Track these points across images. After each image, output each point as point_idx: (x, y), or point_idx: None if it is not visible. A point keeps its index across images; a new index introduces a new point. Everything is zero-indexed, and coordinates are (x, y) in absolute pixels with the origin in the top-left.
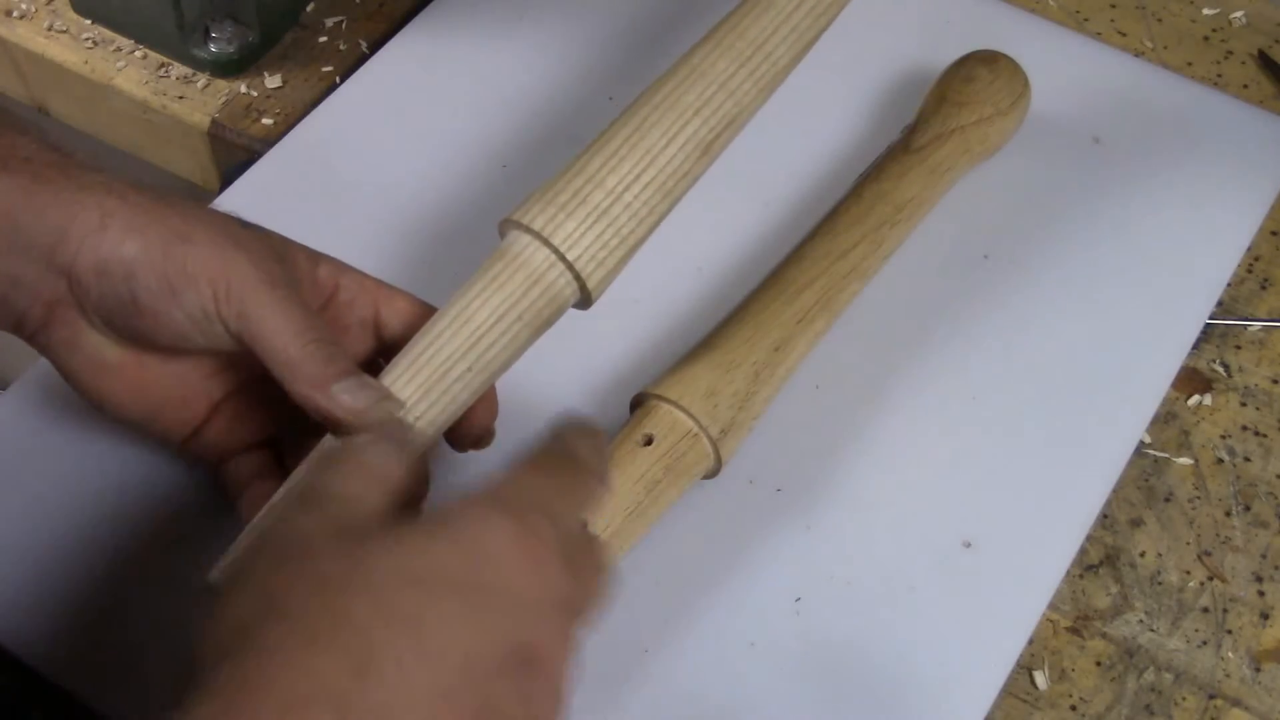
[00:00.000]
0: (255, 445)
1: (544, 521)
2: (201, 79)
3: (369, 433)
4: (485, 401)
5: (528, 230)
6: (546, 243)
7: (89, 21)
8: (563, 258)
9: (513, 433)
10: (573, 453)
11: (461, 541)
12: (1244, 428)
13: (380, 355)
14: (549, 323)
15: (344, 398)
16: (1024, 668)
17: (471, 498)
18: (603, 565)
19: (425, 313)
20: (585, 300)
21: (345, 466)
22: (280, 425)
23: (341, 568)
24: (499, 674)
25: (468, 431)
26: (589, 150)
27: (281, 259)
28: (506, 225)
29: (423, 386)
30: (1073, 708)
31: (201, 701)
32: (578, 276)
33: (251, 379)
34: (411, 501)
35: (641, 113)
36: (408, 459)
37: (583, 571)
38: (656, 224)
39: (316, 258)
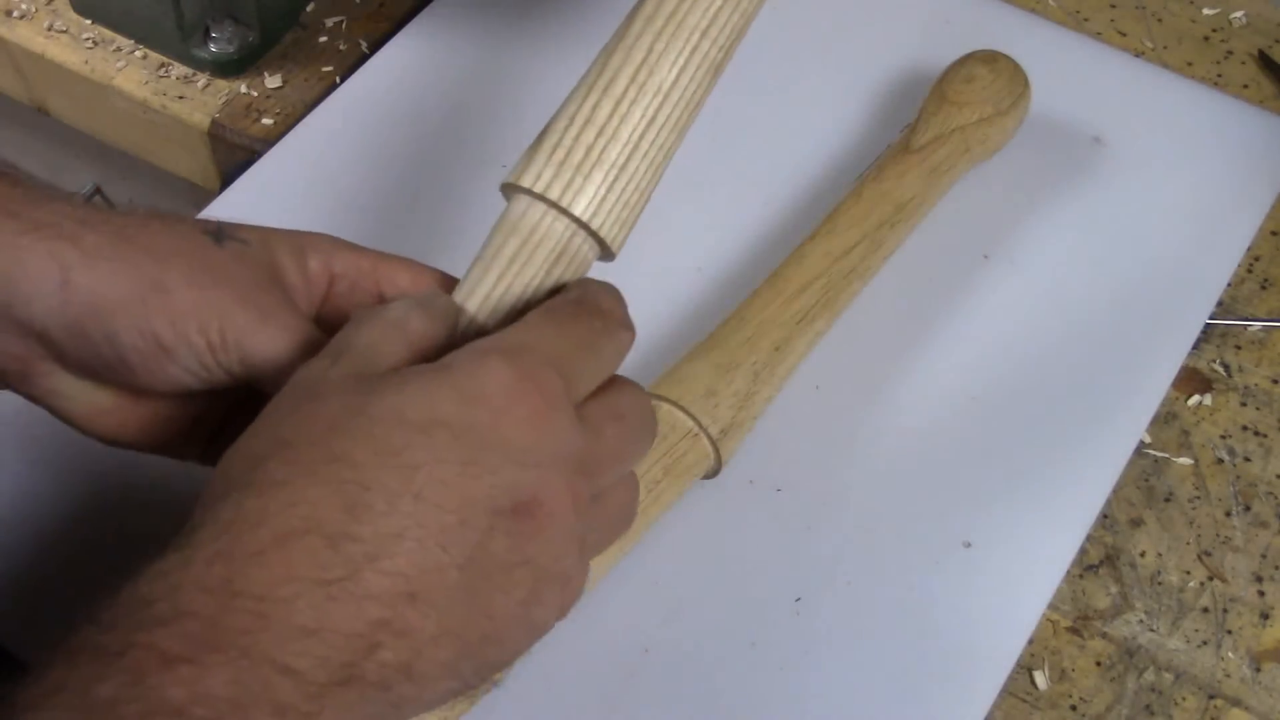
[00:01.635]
0: None
1: (549, 372)
2: (202, 79)
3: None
4: None
5: (542, 199)
6: (566, 212)
7: (89, 21)
8: (585, 225)
9: None
10: (595, 302)
11: (459, 386)
12: (1244, 428)
13: None
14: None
15: None
16: (1024, 668)
17: (480, 344)
18: (636, 426)
19: (432, 281)
20: (608, 255)
21: (367, 320)
22: None
23: (347, 410)
24: (491, 521)
25: None
26: (593, 90)
27: (268, 275)
28: (513, 190)
29: None
30: (1073, 708)
31: (202, 525)
32: (601, 241)
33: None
34: (435, 355)
35: (644, 41)
36: (431, 314)
37: (602, 429)
38: (668, 161)
39: (302, 251)
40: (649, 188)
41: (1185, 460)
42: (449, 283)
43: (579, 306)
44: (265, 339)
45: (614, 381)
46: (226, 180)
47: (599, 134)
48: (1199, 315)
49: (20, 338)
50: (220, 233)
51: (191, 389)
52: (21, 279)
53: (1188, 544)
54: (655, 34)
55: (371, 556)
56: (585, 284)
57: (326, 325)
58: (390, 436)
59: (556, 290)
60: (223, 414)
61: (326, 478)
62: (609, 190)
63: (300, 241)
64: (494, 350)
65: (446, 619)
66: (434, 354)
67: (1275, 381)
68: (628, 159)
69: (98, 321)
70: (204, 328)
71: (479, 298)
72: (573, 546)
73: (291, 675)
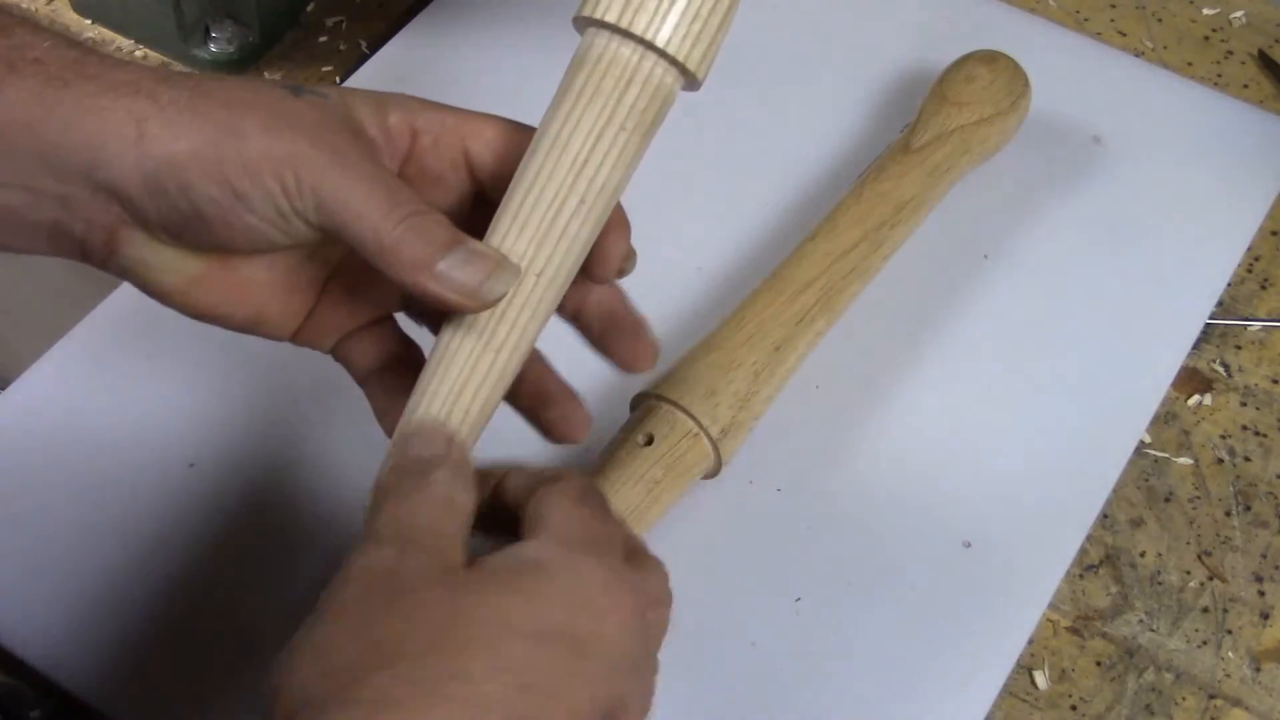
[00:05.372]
0: (372, 322)
1: (628, 568)
2: None
3: (420, 460)
4: (615, 224)
5: (603, 25)
6: (629, 34)
7: (89, 21)
8: (653, 46)
9: (515, 431)
10: (593, 488)
11: (565, 592)
12: (1244, 428)
13: (481, 195)
14: (659, 120)
15: (454, 275)
16: (1024, 668)
17: (560, 535)
18: (669, 607)
19: (518, 135)
20: (693, 81)
21: (416, 499)
22: (395, 296)
23: (454, 616)
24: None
25: (607, 262)
26: None
27: (347, 125)
28: (580, 22)
29: (536, 237)
30: (1073, 708)
31: None
32: (675, 62)
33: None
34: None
35: None
36: (468, 485)
37: (656, 607)
38: None
39: (384, 106)
40: (725, 3)
41: (1185, 460)
42: (530, 135)
43: (589, 491)
44: (342, 182)
45: (646, 561)
46: None
47: None
48: (1199, 315)
49: (104, 202)
50: (299, 88)
51: (273, 243)
52: (101, 138)
53: (1188, 544)
54: None
55: None
56: (568, 474)
57: (411, 182)
58: (503, 648)
59: (639, 125)
60: (318, 290)
61: (448, 696)
62: (672, 5)
63: (381, 98)
64: (581, 548)
65: None
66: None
67: (1275, 381)
68: None
69: (173, 173)
70: (278, 172)
71: (554, 129)
72: None
73: None
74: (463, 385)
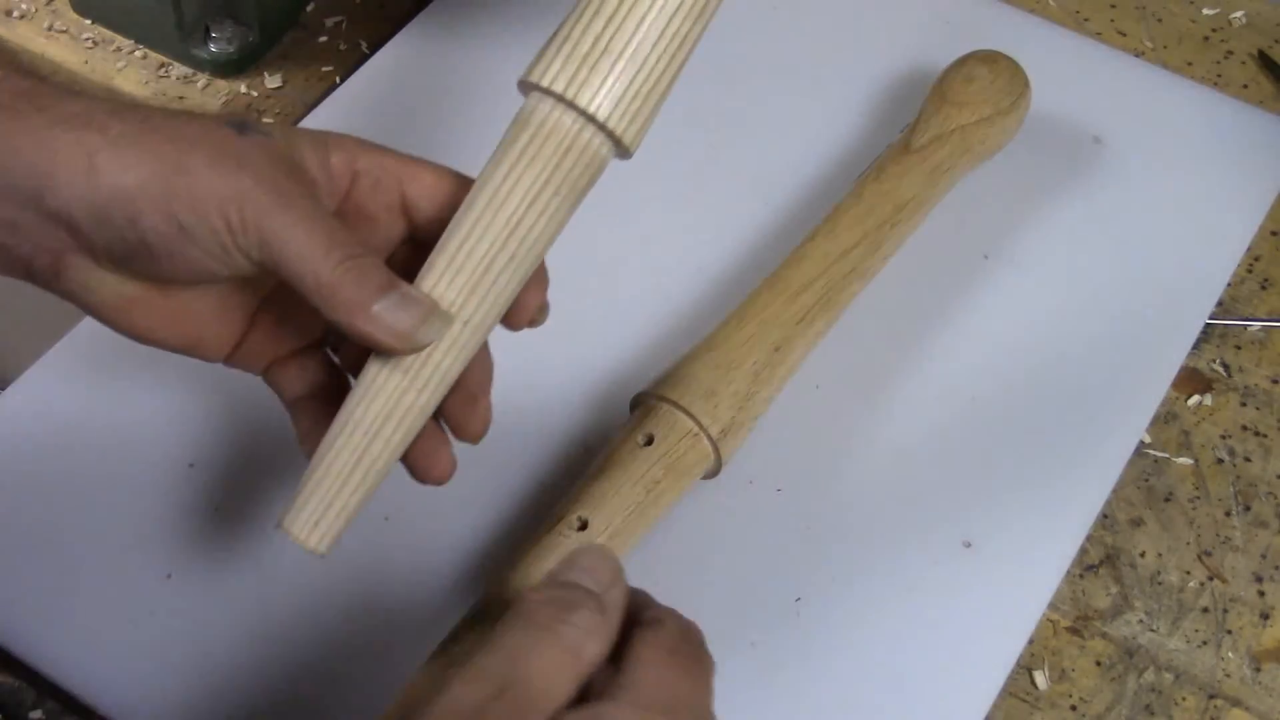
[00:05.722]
0: (303, 349)
1: None
2: (201, 79)
3: (575, 592)
4: (535, 279)
5: (549, 93)
6: (572, 105)
7: (89, 21)
8: (593, 119)
9: (515, 431)
10: (690, 636)
11: None
12: (1244, 428)
13: (414, 236)
14: (589, 188)
15: (388, 319)
16: (1024, 668)
17: (629, 700)
18: None
19: (454, 184)
20: (625, 152)
21: (545, 646)
22: (322, 327)
23: None
24: None
25: (522, 312)
26: None
27: (290, 165)
28: (526, 86)
29: (466, 286)
30: (1073, 708)
31: None
32: (612, 134)
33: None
34: None
35: None
36: (604, 636)
37: None
38: (690, 54)
39: (326, 146)
40: (665, 79)
41: (1185, 460)
42: (467, 185)
43: (684, 641)
44: (284, 222)
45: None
46: None
47: (607, 23)
48: (1199, 315)
49: (52, 229)
50: (244, 125)
51: (215, 276)
52: (51, 168)
53: (1188, 544)
54: None
55: None
56: (672, 618)
57: (347, 220)
58: None
59: (571, 192)
60: (250, 317)
61: None
62: (616, 81)
63: (323, 138)
64: (656, 713)
65: None
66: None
67: (1275, 381)
68: (637, 46)
69: (121, 205)
70: (223, 209)
71: (491, 188)
72: None
73: None
74: (385, 419)
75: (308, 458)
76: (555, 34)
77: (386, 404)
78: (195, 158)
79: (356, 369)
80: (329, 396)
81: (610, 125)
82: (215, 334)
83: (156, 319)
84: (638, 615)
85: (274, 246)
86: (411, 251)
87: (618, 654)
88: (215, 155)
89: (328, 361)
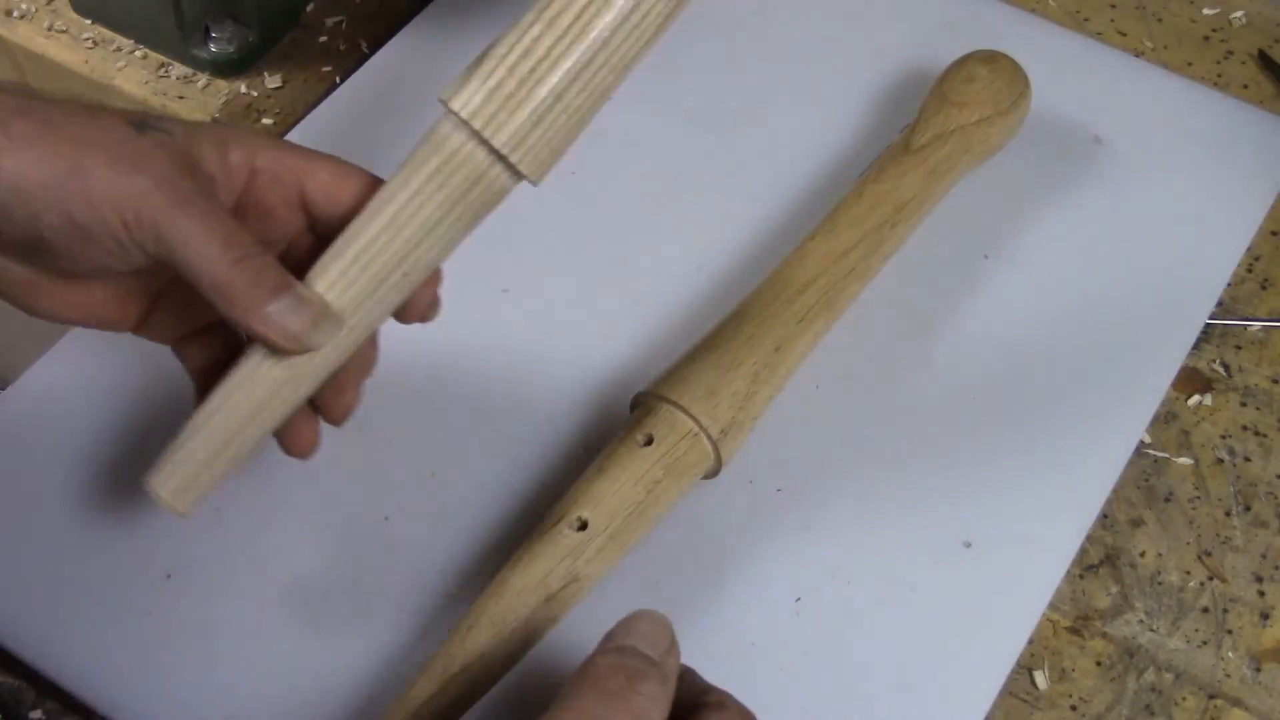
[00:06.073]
0: (208, 325)
1: None
2: (202, 79)
3: (640, 661)
4: (430, 280)
5: (467, 125)
6: (487, 142)
7: (89, 21)
8: (504, 159)
9: (515, 431)
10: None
11: None
12: (1244, 428)
13: (314, 229)
14: (488, 213)
15: (280, 321)
16: (1024, 668)
17: None
18: None
19: (351, 181)
20: (531, 182)
21: (616, 709)
22: None
23: None
24: None
25: (414, 309)
26: (539, 20)
27: (188, 163)
28: (445, 105)
29: (359, 296)
30: (1073, 708)
31: None
32: (519, 173)
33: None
34: None
35: None
36: (670, 699)
37: None
38: (602, 102)
39: (226, 142)
40: (580, 127)
41: (1185, 460)
42: (373, 185)
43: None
44: (181, 221)
45: None
46: None
47: (535, 67)
48: (1199, 315)
49: None
50: (144, 123)
51: (113, 270)
52: None
53: (1188, 544)
54: None
55: None
56: (730, 703)
57: (245, 215)
58: None
59: (473, 220)
60: (152, 299)
61: None
62: (535, 126)
63: (224, 134)
64: None
65: None
66: None
67: (1275, 381)
68: (560, 95)
69: (21, 204)
70: (119, 209)
71: (395, 206)
72: None
73: None
74: (262, 406)
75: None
76: (481, 61)
77: (266, 392)
78: (94, 159)
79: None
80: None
81: (521, 167)
82: (117, 315)
83: (61, 302)
84: (700, 698)
85: (170, 244)
86: (311, 243)
87: None
88: (113, 156)
89: (231, 337)
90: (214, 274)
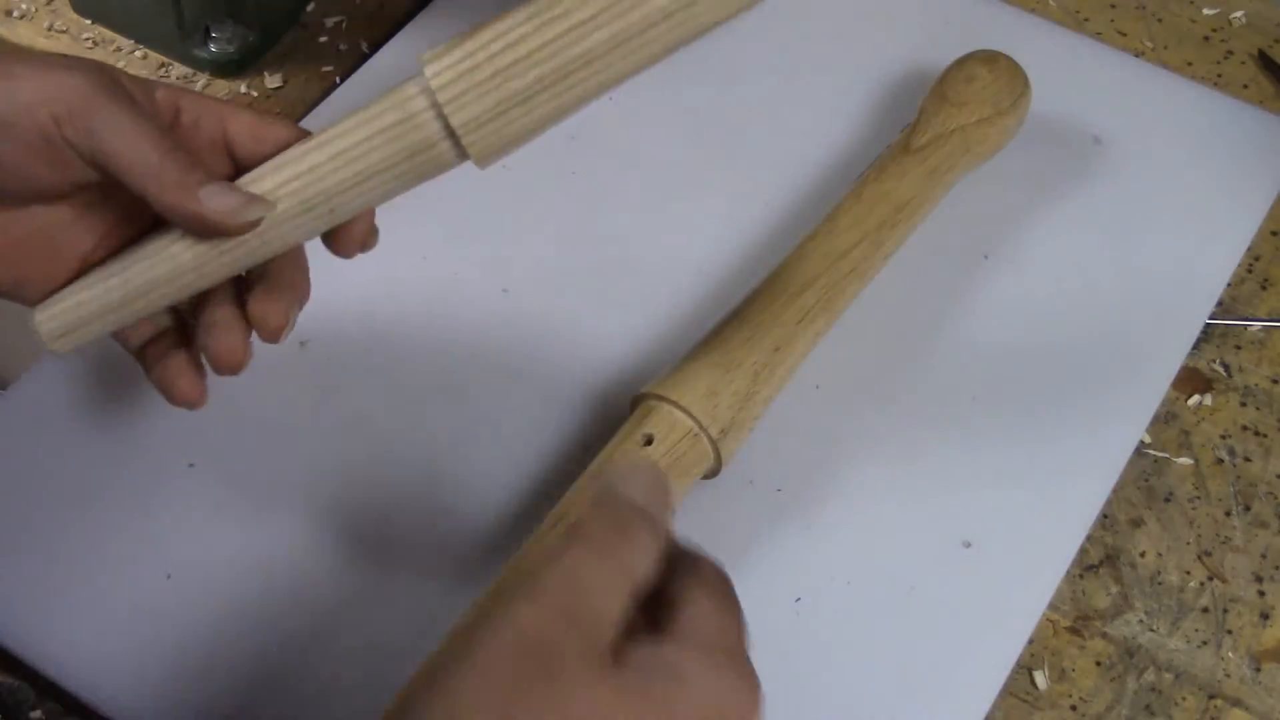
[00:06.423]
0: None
1: (746, 678)
2: (202, 79)
3: (629, 510)
4: (364, 214)
5: (432, 95)
6: (444, 119)
7: (89, 21)
8: (456, 137)
9: (516, 430)
10: (725, 576)
11: (696, 706)
12: (1244, 428)
13: (235, 176)
14: (422, 182)
15: (210, 201)
16: (1024, 668)
17: (683, 639)
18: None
19: (271, 126)
20: (477, 165)
21: (602, 565)
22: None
23: (594, 717)
24: None
25: (350, 240)
26: (535, 17)
27: (116, 78)
28: (420, 63)
29: (282, 216)
30: (1073, 708)
31: None
32: (467, 154)
33: (116, 224)
34: None
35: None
36: (661, 552)
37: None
38: (575, 111)
39: (150, 84)
40: (536, 133)
41: (1185, 460)
42: (298, 134)
43: (723, 582)
44: (114, 114)
45: (749, 667)
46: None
47: (513, 64)
48: (1199, 315)
49: None
50: (69, 58)
51: (41, 182)
52: None
53: (1188, 544)
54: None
55: None
56: (704, 558)
57: None
58: None
59: (410, 181)
60: (81, 260)
61: None
62: (495, 119)
63: (148, 80)
64: (715, 656)
65: None
66: None
67: (1275, 381)
68: (529, 98)
69: None
70: (49, 102)
71: (340, 146)
72: None
73: None
74: (161, 283)
75: (157, 386)
76: (468, 38)
77: (168, 272)
78: (22, 65)
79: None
80: (172, 340)
81: (470, 151)
82: (45, 273)
83: None
84: (676, 562)
85: (102, 136)
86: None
87: (661, 598)
88: (42, 62)
89: (181, 327)
90: (148, 159)
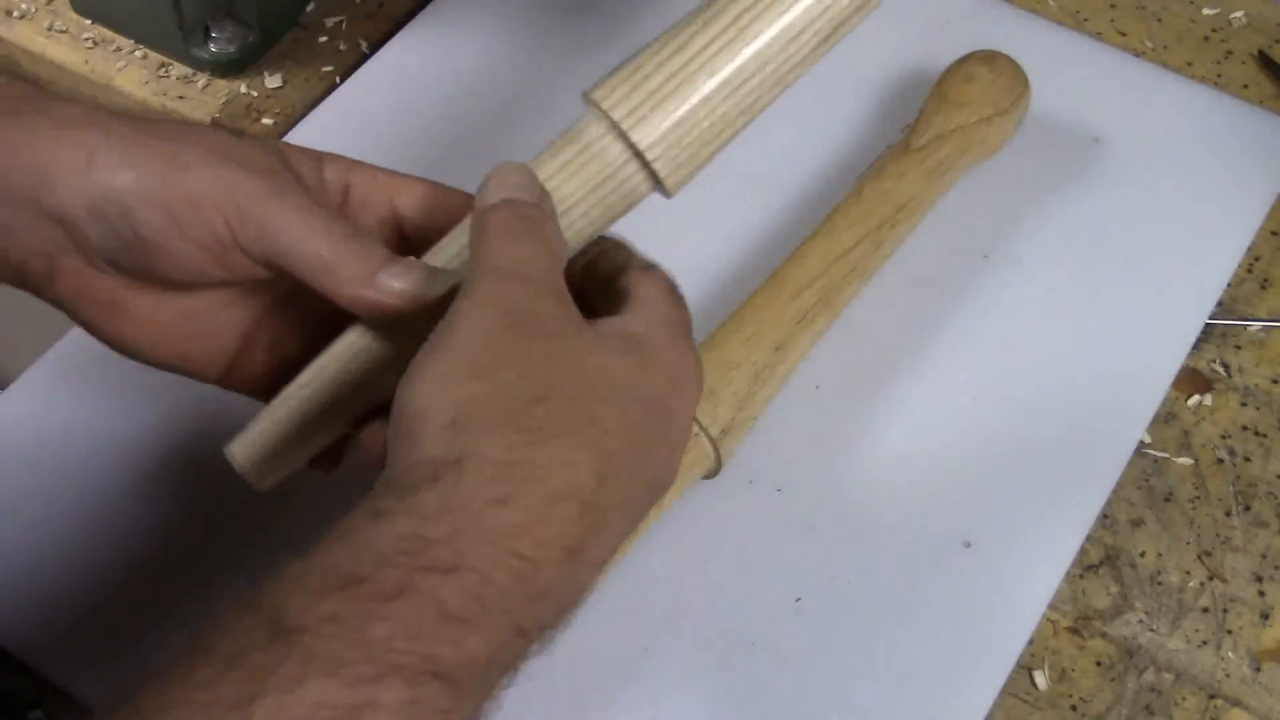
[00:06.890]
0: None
1: (697, 357)
2: (202, 79)
3: (529, 205)
4: None
5: (606, 117)
6: (625, 136)
7: (89, 21)
8: (641, 155)
9: None
10: (673, 281)
11: (664, 370)
12: (1244, 428)
13: (409, 252)
14: (619, 216)
15: (394, 284)
16: (1024, 668)
17: (646, 318)
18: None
19: (445, 197)
20: (664, 192)
21: (534, 243)
22: (318, 349)
23: (590, 369)
24: (663, 481)
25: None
26: (694, 20)
27: (286, 167)
28: (588, 100)
29: None
30: (1073, 708)
31: (470, 457)
32: (655, 175)
33: (277, 303)
34: None
35: None
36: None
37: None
38: (754, 118)
39: (320, 159)
40: (724, 137)
41: (1185, 460)
42: (457, 197)
43: (672, 283)
44: (283, 212)
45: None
46: None
47: (686, 64)
48: (1199, 315)
49: (48, 229)
50: (241, 132)
51: (209, 274)
52: (51, 166)
53: (1188, 544)
54: None
55: (599, 527)
56: (657, 266)
57: None
58: (628, 408)
59: (601, 216)
60: (242, 337)
61: (587, 441)
62: (675, 126)
63: (317, 154)
64: (673, 332)
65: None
66: None
67: (1275, 381)
68: (707, 98)
69: (118, 199)
70: (221, 204)
71: None
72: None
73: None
74: (360, 380)
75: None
76: (633, 57)
77: (363, 365)
78: (192, 155)
79: None
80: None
81: (656, 167)
82: (206, 351)
83: (146, 332)
84: (629, 261)
85: (274, 236)
86: None
87: (615, 292)
88: (212, 153)
89: None
90: (319, 253)
